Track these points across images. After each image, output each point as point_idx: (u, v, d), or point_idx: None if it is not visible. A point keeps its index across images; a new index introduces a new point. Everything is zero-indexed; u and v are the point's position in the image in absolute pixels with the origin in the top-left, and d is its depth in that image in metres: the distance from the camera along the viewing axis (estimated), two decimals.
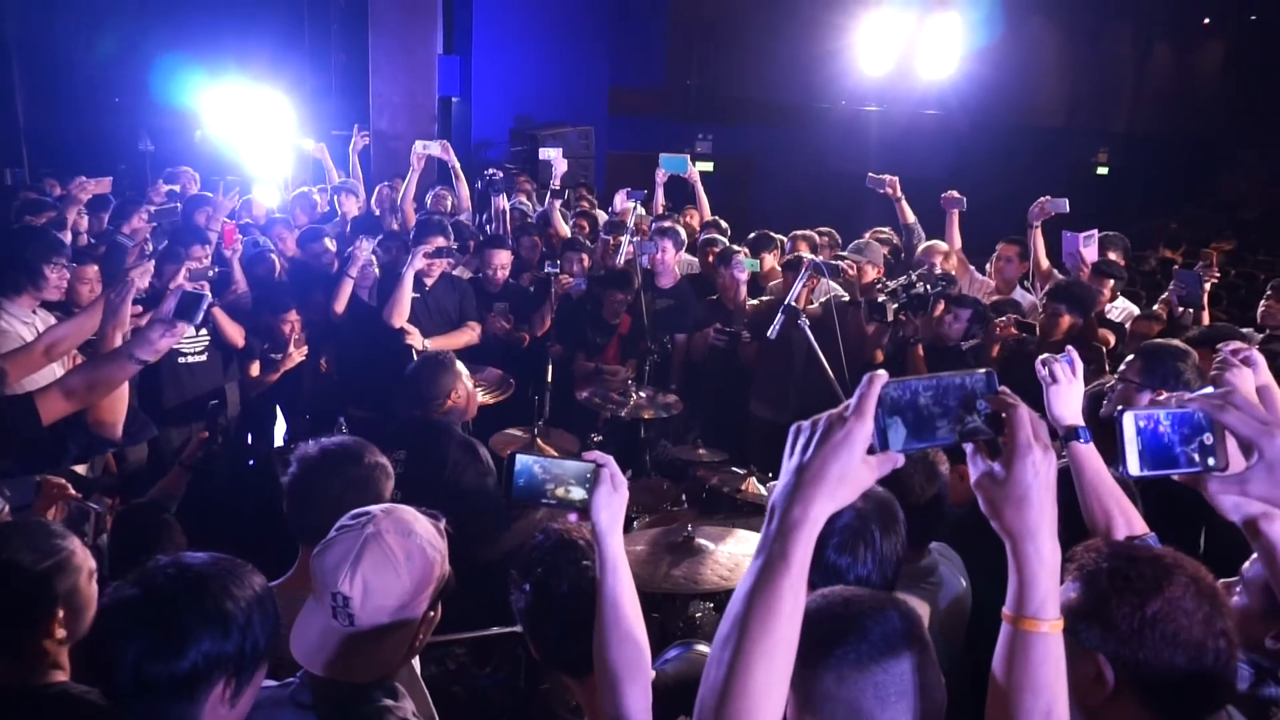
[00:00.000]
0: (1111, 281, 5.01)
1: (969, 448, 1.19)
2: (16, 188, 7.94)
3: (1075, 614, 1.40)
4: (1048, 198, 5.35)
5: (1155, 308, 5.01)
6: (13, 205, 5.80)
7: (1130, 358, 2.84)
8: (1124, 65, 15.67)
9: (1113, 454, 1.49)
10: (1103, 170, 15.77)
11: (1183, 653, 1.33)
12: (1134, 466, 1.21)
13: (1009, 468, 1.15)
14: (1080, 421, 2.01)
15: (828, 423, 1.14)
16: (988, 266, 5.70)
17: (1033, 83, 14.35)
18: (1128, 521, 1.80)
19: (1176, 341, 2.94)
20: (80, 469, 3.38)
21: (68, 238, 4.73)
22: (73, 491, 2.44)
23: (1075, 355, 2.12)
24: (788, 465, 1.16)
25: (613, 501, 1.54)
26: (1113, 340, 4.65)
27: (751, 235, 6.02)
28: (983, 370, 1.17)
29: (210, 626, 1.43)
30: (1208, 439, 1.21)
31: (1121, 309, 5.22)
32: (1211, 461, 1.21)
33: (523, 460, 1.56)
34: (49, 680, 1.74)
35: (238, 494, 4.57)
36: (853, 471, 1.12)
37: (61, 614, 1.73)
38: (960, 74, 11.48)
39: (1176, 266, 5.80)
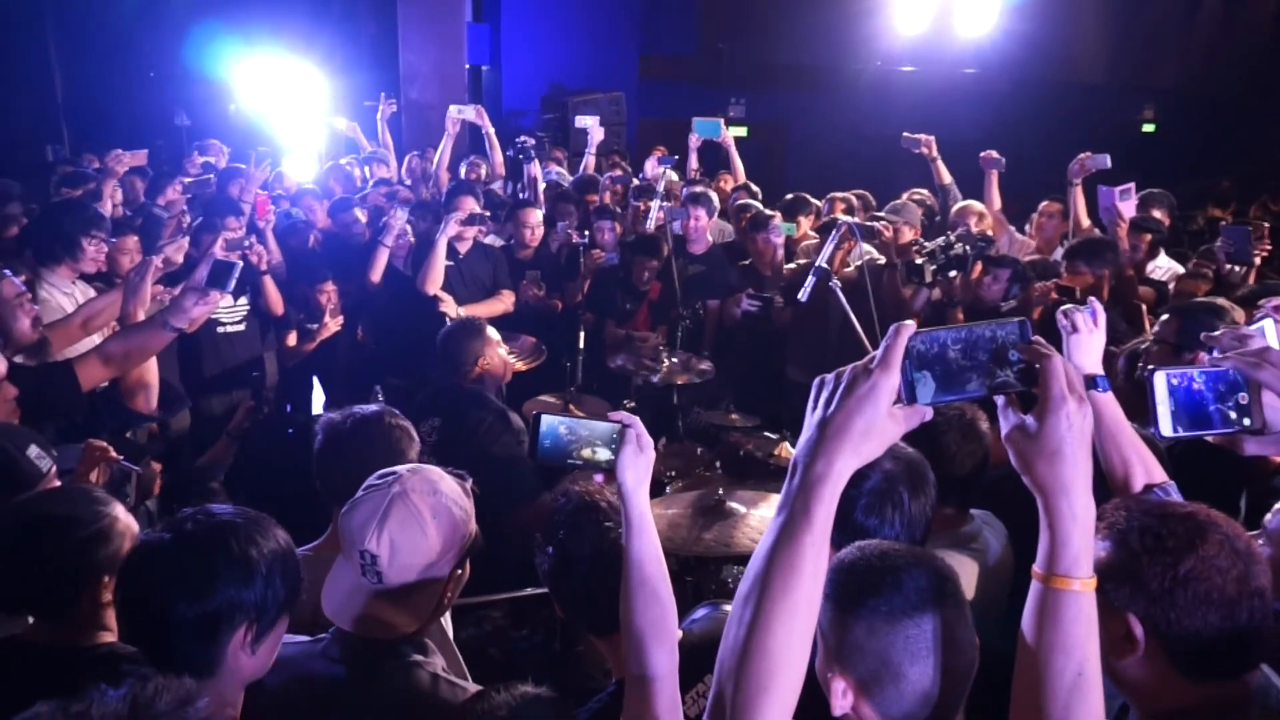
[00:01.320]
0: (1149, 237, 4.87)
1: (1000, 400, 1.15)
2: (57, 163, 8.07)
3: (1105, 572, 1.37)
4: (1088, 154, 5.21)
5: (1193, 264, 4.85)
6: (51, 180, 5.91)
7: (1165, 317, 2.76)
8: (1171, 18, 15.15)
9: (1148, 415, 1.44)
10: (1149, 128, 15.31)
11: (1216, 612, 1.30)
12: (1166, 427, 1.16)
13: (1042, 421, 1.11)
14: (1100, 370, 1.97)
15: (852, 375, 1.11)
16: (1027, 226, 5.58)
17: (1075, 38, 13.95)
18: (1146, 470, 1.75)
19: (1216, 299, 2.85)
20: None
21: (106, 209, 4.81)
22: (114, 454, 2.50)
23: (1098, 306, 2.07)
24: (811, 419, 1.13)
25: (638, 462, 1.53)
26: (1154, 298, 4.54)
27: (788, 197, 5.95)
28: (1015, 320, 1.13)
29: (234, 571, 1.47)
30: (1243, 398, 1.16)
31: (1166, 268, 5.08)
32: (1247, 421, 1.17)
33: (548, 421, 1.56)
34: (97, 641, 1.79)
35: (278, 463, 4.66)
36: (878, 425, 1.09)
37: (106, 578, 1.78)
38: (999, 31, 11.17)
39: (1222, 223, 5.62)
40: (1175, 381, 1.16)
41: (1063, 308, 2.10)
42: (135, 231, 4.64)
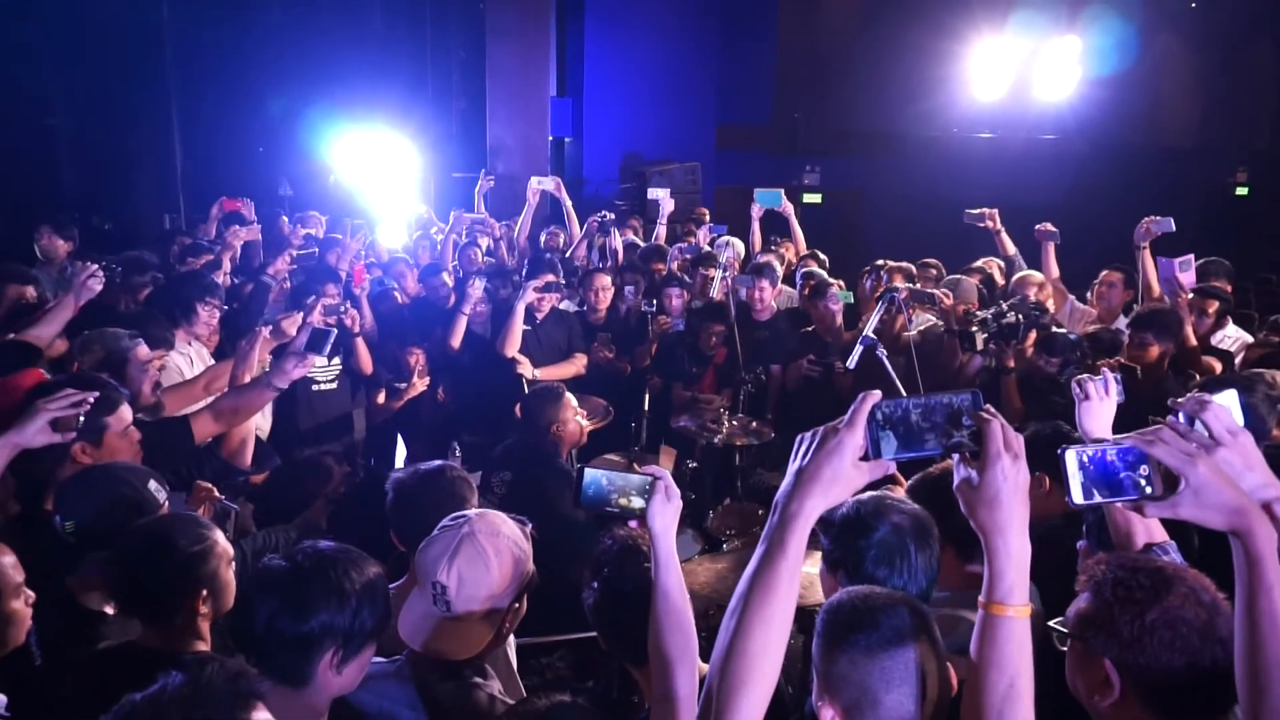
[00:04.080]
0: (1216, 304, 4.87)
1: (955, 457, 1.36)
2: (174, 232, 8.79)
3: (1084, 621, 1.53)
4: (1153, 218, 5.22)
5: (1262, 334, 4.82)
6: (171, 249, 6.47)
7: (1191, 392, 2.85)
8: (1264, 76, 14.85)
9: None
10: (1242, 191, 14.94)
11: (1181, 658, 1.45)
12: (1078, 497, 1.35)
13: (982, 473, 1.32)
14: (1109, 436, 2.10)
15: (824, 432, 1.36)
16: (1088, 294, 5.61)
17: (1160, 100, 13.75)
18: (1147, 529, 1.89)
19: (1254, 371, 2.92)
20: None
21: (220, 278, 5.29)
22: (218, 495, 2.84)
23: (1110, 375, 2.22)
24: (790, 468, 1.37)
25: (666, 510, 1.76)
26: (1219, 368, 4.54)
27: (878, 262, 6.11)
28: (969, 391, 1.34)
29: (329, 599, 1.73)
30: (1144, 469, 1.34)
31: (1234, 338, 5.05)
32: (1150, 490, 1.34)
33: (591, 473, 1.80)
34: (194, 649, 2.08)
35: (363, 511, 4.96)
36: (844, 474, 1.33)
37: (204, 592, 2.08)
38: (1078, 96, 11.19)
39: None
40: (1089, 456, 1.34)
41: (1077, 377, 2.26)
42: (241, 299, 5.07)
